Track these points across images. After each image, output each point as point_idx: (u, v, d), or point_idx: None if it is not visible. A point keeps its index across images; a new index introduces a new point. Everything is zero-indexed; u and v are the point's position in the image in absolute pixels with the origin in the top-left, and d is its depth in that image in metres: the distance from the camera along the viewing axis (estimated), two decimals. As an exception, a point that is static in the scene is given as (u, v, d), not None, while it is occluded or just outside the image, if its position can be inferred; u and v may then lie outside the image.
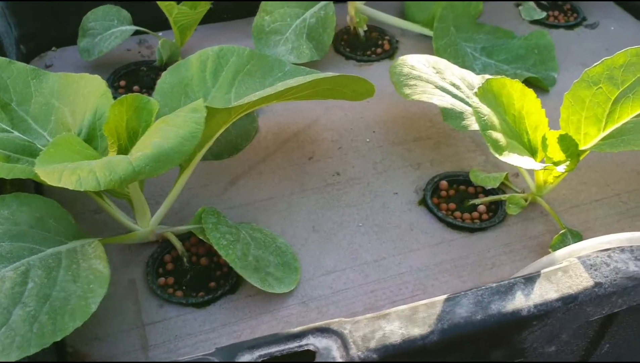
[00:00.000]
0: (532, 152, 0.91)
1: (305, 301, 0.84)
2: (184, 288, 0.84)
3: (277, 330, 0.80)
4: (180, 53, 1.21)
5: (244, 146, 1.06)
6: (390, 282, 0.87)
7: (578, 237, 0.92)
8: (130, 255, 0.89)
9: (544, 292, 0.69)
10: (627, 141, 0.85)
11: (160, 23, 1.28)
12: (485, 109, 0.80)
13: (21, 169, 0.75)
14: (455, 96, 0.98)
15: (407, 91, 0.98)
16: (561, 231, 0.91)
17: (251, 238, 0.86)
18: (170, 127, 0.70)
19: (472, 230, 0.94)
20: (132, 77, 1.19)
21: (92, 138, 0.86)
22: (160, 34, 1.30)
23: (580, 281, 0.70)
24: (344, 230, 0.93)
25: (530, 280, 0.70)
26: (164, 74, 0.93)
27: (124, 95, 0.81)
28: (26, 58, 1.23)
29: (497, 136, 0.79)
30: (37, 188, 0.95)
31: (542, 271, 0.72)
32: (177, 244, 0.87)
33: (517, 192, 0.99)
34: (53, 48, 1.26)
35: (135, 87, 1.16)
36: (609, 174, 1.04)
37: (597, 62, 0.91)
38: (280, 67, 1.01)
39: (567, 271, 0.71)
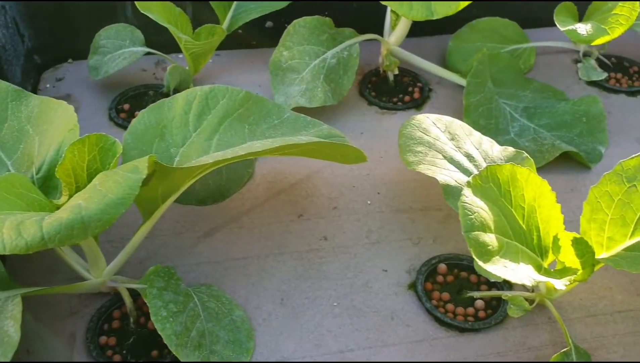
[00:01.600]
0: (542, 253, 0.77)
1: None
2: (124, 352, 0.77)
3: (210, 421, 0.71)
4: (192, 80, 1.15)
5: (233, 192, 0.98)
6: (351, 381, 0.76)
7: (585, 357, 0.77)
8: (78, 304, 0.82)
9: None
10: (652, 261, 0.71)
11: (179, 46, 1.22)
12: (475, 204, 0.67)
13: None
14: (464, 171, 0.86)
15: (411, 158, 0.87)
16: (565, 348, 0.77)
17: (203, 308, 0.77)
18: (100, 189, 0.62)
19: (462, 330, 0.81)
20: (138, 101, 1.13)
21: (52, 176, 0.80)
22: (180, 56, 1.24)
23: None
24: (315, 308, 0.83)
25: None
26: (141, 112, 0.86)
27: (88, 134, 0.74)
28: (40, 69, 1.19)
29: (486, 238, 0.67)
30: None
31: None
32: (128, 300, 0.80)
33: (526, 290, 0.85)
34: (69, 60, 1.22)
35: (137, 113, 1.10)
36: (642, 282, 0.88)
37: (635, 155, 0.76)
38: (278, 113, 0.92)
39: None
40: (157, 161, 0.69)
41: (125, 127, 1.07)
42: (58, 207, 0.75)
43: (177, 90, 1.14)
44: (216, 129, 0.87)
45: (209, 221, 0.94)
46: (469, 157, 0.88)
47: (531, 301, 0.82)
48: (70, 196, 0.75)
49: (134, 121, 0.85)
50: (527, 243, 0.76)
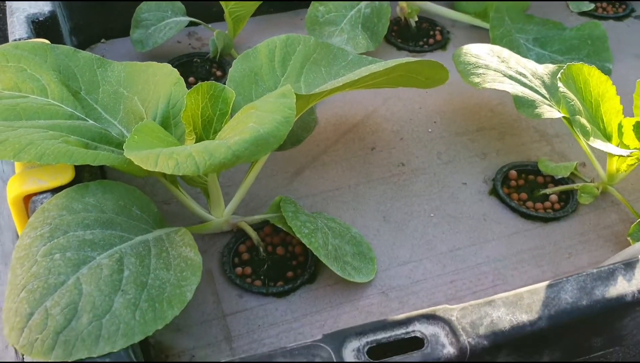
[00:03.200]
0: (608, 138, 0.89)
1: (384, 291, 0.83)
2: (262, 277, 0.83)
3: (360, 321, 0.79)
4: (233, 45, 1.20)
5: (305, 136, 1.04)
6: (469, 272, 0.85)
7: (654, 226, 0.90)
8: (204, 245, 0.87)
9: (647, 278, 0.67)
10: None
11: (211, 15, 1.27)
12: (570, 95, 0.79)
13: (105, 156, 0.73)
14: (524, 85, 0.97)
15: (476, 79, 0.96)
16: (638, 220, 0.89)
17: (328, 227, 0.85)
18: (264, 113, 0.69)
19: (546, 220, 0.93)
20: (186, 68, 1.18)
21: (166, 126, 0.85)
22: (210, 25, 1.29)
23: (681, 267, 0.68)
24: (415, 220, 0.92)
25: (629, 265, 0.69)
26: (234, 62, 0.92)
27: (200, 83, 0.80)
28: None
29: (583, 121, 0.78)
30: (103, 177, 0.93)
31: (640, 257, 0.70)
32: (253, 234, 0.86)
33: (586, 181, 0.98)
34: (102, 40, 1.25)
35: (191, 79, 1.15)
36: (677, 164, 1.03)
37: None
38: (343, 56, 1.00)
39: (666, 257, 0.70)
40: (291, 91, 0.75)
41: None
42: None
43: (221, 55, 1.19)
44: (300, 73, 0.94)
45: (294, 162, 1.01)
46: (521, 74, 0.99)
47: (596, 189, 0.95)
48: (196, 139, 0.81)
49: (231, 70, 0.91)
50: (599, 128, 0.88)
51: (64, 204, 0.69)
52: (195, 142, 0.81)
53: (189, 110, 0.80)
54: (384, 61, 0.86)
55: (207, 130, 0.83)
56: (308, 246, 0.78)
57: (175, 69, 0.88)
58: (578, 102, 0.80)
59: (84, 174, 0.80)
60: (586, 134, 0.76)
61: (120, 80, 0.90)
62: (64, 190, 0.72)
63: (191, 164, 0.64)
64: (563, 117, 0.89)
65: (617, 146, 0.90)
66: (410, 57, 0.87)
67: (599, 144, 0.77)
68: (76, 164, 0.71)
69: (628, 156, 0.81)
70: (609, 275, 0.67)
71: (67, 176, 0.75)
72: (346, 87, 0.82)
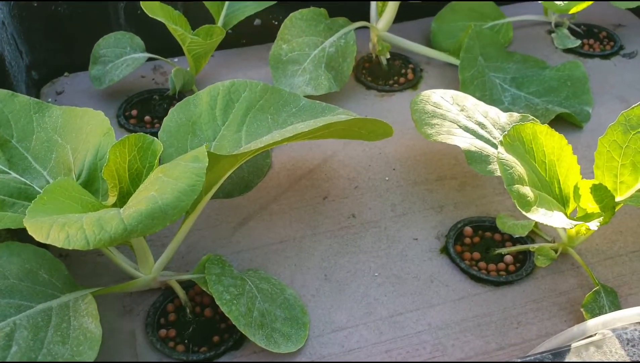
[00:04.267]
0: (564, 202, 0.84)
1: (314, 361, 0.78)
2: (185, 342, 0.79)
3: (282, 393, 0.75)
4: (195, 81, 1.17)
5: (256, 183, 1.01)
6: (407, 341, 0.80)
7: (612, 295, 0.84)
8: (131, 303, 0.84)
9: (575, 372, 0.61)
10: (670, 195, 0.78)
11: (175, 49, 1.23)
12: (511, 160, 0.73)
13: (11, 218, 0.70)
14: (480, 137, 0.92)
15: (429, 131, 0.92)
16: (594, 289, 0.83)
17: (257, 289, 0.80)
18: (169, 180, 0.65)
19: (497, 284, 0.87)
20: (145, 106, 1.15)
21: (93, 180, 0.82)
22: (175, 60, 1.27)
23: (614, 359, 0.63)
24: (358, 280, 0.87)
25: (558, 355, 0.63)
26: (171, 110, 0.89)
27: (127, 135, 0.76)
28: (38, 84, 1.19)
29: (525, 190, 0.72)
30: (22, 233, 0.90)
31: (573, 344, 0.65)
32: (181, 293, 0.82)
33: (547, 241, 0.92)
34: (65, 73, 1.23)
35: (147, 117, 1.12)
36: (648, 223, 0.96)
37: (635, 104, 0.83)
38: (295, 102, 0.95)
39: (601, 346, 0.64)
40: (210, 151, 0.71)
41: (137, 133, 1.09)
42: (113, 207, 0.77)
43: (181, 92, 1.16)
44: (243, 121, 0.90)
45: (240, 211, 0.97)
46: (481, 125, 0.94)
47: (555, 251, 0.89)
48: (118, 196, 0.78)
49: (165, 119, 0.88)
50: (552, 194, 0.82)
51: (-38, 270, 0.66)
52: (122, 198, 0.78)
53: (113, 164, 0.76)
54: (323, 117, 0.82)
55: (135, 184, 0.79)
56: (227, 315, 0.74)
57: (107, 119, 0.85)
58: (519, 168, 0.74)
59: (1, 234, 0.77)
60: (525, 206, 0.70)
61: (57, 126, 0.88)
62: (-33, 253, 0.69)
63: (81, 238, 0.60)
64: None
65: (574, 210, 0.85)
66: (343, 116, 0.82)
67: (539, 216, 0.71)
68: (-22, 227, 0.68)
69: (575, 226, 0.75)
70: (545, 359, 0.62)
71: (-26, 237, 0.72)
72: (273, 145, 0.78)
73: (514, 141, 0.77)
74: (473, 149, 0.88)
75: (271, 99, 0.94)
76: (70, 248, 0.61)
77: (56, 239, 0.61)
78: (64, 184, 0.74)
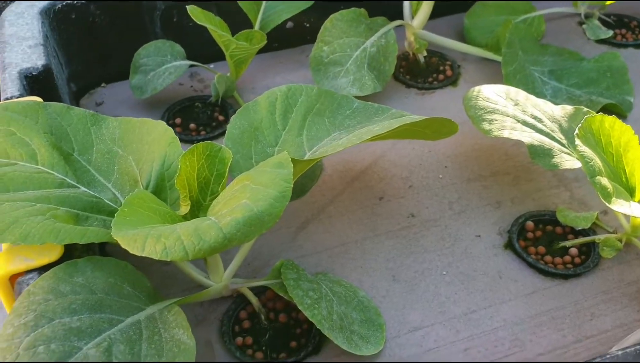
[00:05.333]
0: (631, 192, 0.84)
1: (398, 361, 0.78)
2: (263, 348, 0.79)
3: (368, 396, 0.74)
4: (235, 87, 1.16)
5: (310, 187, 1.00)
6: (484, 339, 0.80)
7: (683, 283, 0.84)
8: (203, 311, 0.83)
9: (678, 362, 0.62)
10: None
11: (212, 54, 1.23)
12: (589, 153, 0.73)
13: (94, 232, 0.69)
14: (540, 131, 0.92)
15: (486, 126, 0.92)
16: (665, 277, 0.84)
17: (332, 293, 0.80)
18: (258, 187, 0.64)
19: (566, 277, 0.87)
20: (187, 113, 1.14)
21: (161, 190, 0.81)
22: (211, 66, 1.26)
23: None
24: (426, 279, 0.87)
25: (658, 346, 0.63)
26: (233, 118, 0.88)
27: (196, 144, 0.76)
28: (76, 96, 1.18)
29: (604, 182, 0.72)
30: (100, 244, 0.90)
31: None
32: (254, 300, 0.82)
33: (608, 232, 0.92)
34: (102, 84, 1.22)
35: (192, 125, 1.11)
36: None
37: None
38: (348, 104, 0.95)
39: (698, 334, 0.64)
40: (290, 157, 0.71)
41: (185, 141, 1.08)
42: (184, 218, 0.76)
43: (223, 98, 1.16)
44: (302, 125, 0.90)
45: (298, 216, 0.96)
46: (537, 119, 0.94)
47: (619, 241, 0.89)
48: (191, 204, 0.77)
49: (229, 127, 0.87)
50: (621, 183, 0.82)
51: (50, 286, 0.66)
52: (191, 207, 0.77)
53: (184, 174, 0.76)
54: (388, 121, 0.81)
55: (203, 192, 0.79)
56: (311, 319, 0.74)
57: (170, 128, 0.84)
58: (597, 159, 0.74)
59: (75, 247, 0.76)
60: (607, 197, 0.70)
61: (115, 138, 0.87)
62: (51, 269, 0.68)
63: (179, 249, 0.59)
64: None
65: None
66: (414, 116, 0.82)
67: (621, 206, 0.71)
68: (64, 243, 0.67)
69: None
70: (635, 359, 0.62)
71: (56, 252, 0.71)
72: (348, 146, 0.77)
73: (586, 133, 0.77)
74: (536, 143, 0.89)
75: (326, 102, 0.94)
76: (169, 259, 0.60)
77: (153, 251, 0.60)
78: (142, 196, 0.73)
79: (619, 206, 0.72)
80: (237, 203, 0.63)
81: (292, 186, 0.65)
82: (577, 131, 0.75)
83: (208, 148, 0.78)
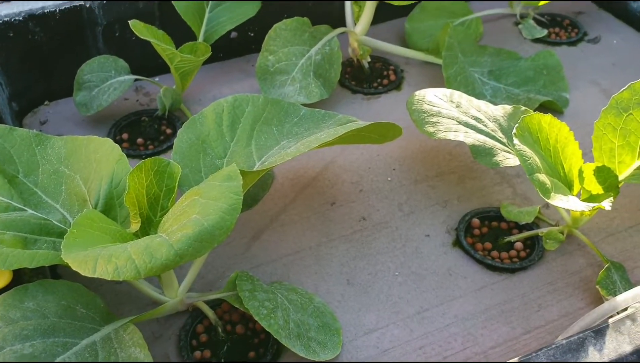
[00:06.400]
0: (569, 186, 0.88)
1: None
2: (222, 360, 0.79)
3: (328, 400, 0.76)
4: (182, 99, 1.16)
5: (262, 196, 1.01)
6: (438, 336, 0.82)
7: (621, 270, 0.89)
8: (160, 328, 0.83)
9: (618, 346, 0.65)
10: (669, 170, 0.83)
11: (157, 67, 1.23)
12: (527, 151, 0.76)
13: (44, 255, 0.69)
14: (481, 131, 0.95)
15: (430, 129, 0.94)
16: (605, 266, 0.88)
17: (288, 301, 0.81)
18: (208, 201, 0.65)
19: (512, 271, 0.90)
20: (135, 128, 1.13)
21: (110, 208, 0.81)
22: (157, 79, 1.25)
23: (651, 329, 0.67)
24: (380, 281, 0.89)
25: (599, 333, 0.67)
26: (180, 131, 0.88)
27: (144, 160, 0.76)
28: (19, 115, 1.16)
29: (543, 178, 0.76)
30: (51, 267, 0.88)
31: (610, 321, 0.68)
32: (210, 313, 0.82)
33: (551, 225, 0.96)
34: (46, 102, 1.20)
35: (139, 140, 1.11)
36: (638, 199, 1.01)
37: (624, 87, 0.88)
38: (295, 111, 0.96)
39: (636, 318, 0.68)
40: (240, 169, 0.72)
41: (134, 156, 1.08)
42: (135, 235, 0.76)
43: (170, 111, 1.15)
44: (250, 135, 0.91)
45: (251, 226, 0.97)
46: (477, 120, 0.97)
47: (561, 233, 0.93)
48: (141, 221, 0.77)
49: (176, 141, 0.87)
50: (559, 178, 0.86)
51: (0, 314, 0.65)
52: (142, 224, 0.77)
53: (132, 191, 0.75)
54: (334, 127, 0.83)
55: (154, 208, 0.78)
56: (267, 329, 0.74)
57: (117, 146, 0.83)
58: (535, 157, 0.78)
59: (25, 271, 0.75)
60: (546, 193, 0.74)
61: (61, 157, 0.86)
62: (0, 296, 0.67)
63: (131, 268, 0.59)
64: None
65: (578, 192, 0.89)
66: (360, 122, 0.84)
67: (560, 201, 0.75)
68: (12, 268, 0.66)
69: (590, 210, 0.79)
70: (579, 347, 0.65)
71: (4, 279, 0.70)
72: (297, 155, 0.78)
73: (524, 132, 0.80)
74: (477, 143, 0.91)
75: (273, 111, 0.95)
76: (121, 279, 0.60)
77: (104, 272, 0.60)
78: (91, 216, 0.72)
79: (558, 200, 0.75)
80: (187, 218, 0.64)
81: (242, 198, 0.65)
82: (514, 131, 0.78)
83: (156, 164, 0.77)
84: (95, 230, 0.70)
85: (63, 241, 0.66)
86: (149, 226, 0.79)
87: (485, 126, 0.97)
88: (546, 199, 0.74)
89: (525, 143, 0.80)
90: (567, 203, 0.76)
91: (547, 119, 0.84)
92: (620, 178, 0.88)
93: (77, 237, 0.67)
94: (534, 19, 1.42)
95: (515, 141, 0.77)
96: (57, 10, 1.12)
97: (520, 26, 1.41)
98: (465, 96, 1.02)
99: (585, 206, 0.77)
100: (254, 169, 0.82)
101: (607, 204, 0.79)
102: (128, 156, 1.08)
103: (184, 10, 1.15)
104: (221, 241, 0.63)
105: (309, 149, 0.76)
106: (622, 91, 0.88)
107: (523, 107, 0.99)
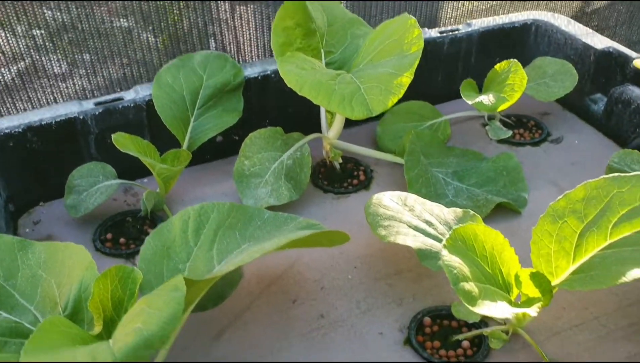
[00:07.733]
0: (508, 290, 0.93)
1: None
2: None
3: None
4: (164, 201, 1.26)
5: (229, 293, 1.08)
6: None
7: (562, 369, 0.93)
8: (119, 424, 0.89)
9: None
10: (595, 277, 0.88)
11: (145, 169, 1.33)
12: (454, 261, 0.83)
13: (11, 358, 0.76)
14: (429, 235, 1.02)
15: (382, 232, 1.02)
16: (545, 366, 0.92)
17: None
18: (152, 311, 0.72)
19: (457, 369, 0.95)
20: (118, 228, 1.23)
21: (78, 311, 0.88)
22: (145, 180, 1.36)
23: None
24: (331, 379, 0.95)
25: None
26: (147, 239, 0.97)
27: (109, 268, 0.84)
28: (14, 216, 1.26)
29: (469, 287, 0.82)
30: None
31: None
32: (166, 410, 0.88)
33: (499, 324, 1.01)
34: (41, 203, 1.30)
35: (122, 239, 1.20)
36: (586, 297, 1.06)
37: (559, 197, 0.95)
38: (259, 215, 1.04)
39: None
40: (186, 277, 0.79)
41: (114, 255, 1.16)
42: (96, 338, 0.83)
43: (153, 212, 1.25)
44: (213, 240, 0.99)
45: (214, 324, 1.04)
46: (428, 223, 1.05)
47: (506, 332, 0.98)
48: (104, 326, 0.84)
49: (142, 248, 0.96)
50: (496, 284, 0.92)
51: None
52: (106, 325, 0.85)
53: (97, 296, 0.84)
54: (294, 231, 0.91)
55: (118, 311, 0.86)
56: None
57: (88, 253, 0.92)
58: (465, 267, 0.84)
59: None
60: (471, 301, 0.80)
61: (40, 262, 0.94)
62: (-33, 396, 0.74)
63: (76, 374, 0.67)
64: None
65: (517, 295, 0.95)
66: (306, 231, 0.92)
67: (486, 308, 0.81)
68: (-22, 370, 0.74)
69: (515, 315, 0.85)
70: None
71: (-28, 379, 0.77)
72: (241, 264, 0.86)
73: (455, 242, 0.87)
74: (423, 247, 0.99)
75: (237, 216, 1.03)
76: (68, 384, 0.67)
77: (53, 377, 0.67)
78: (54, 320, 0.80)
79: (483, 307, 0.81)
80: (132, 326, 0.71)
81: (183, 307, 0.73)
82: (444, 242, 0.85)
83: (121, 271, 0.86)
84: (56, 334, 0.78)
85: (25, 346, 0.74)
86: (113, 327, 0.86)
87: (435, 229, 1.04)
88: (470, 308, 0.80)
89: (457, 252, 0.87)
90: (493, 309, 0.82)
91: (481, 228, 0.91)
92: (557, 282, 0.94)
93: (38, 341, 0.75)
94: (501, 120, 1.51)
95: (444, 252, 0.84)
96: (54, 122, 1.24)
97: (487, 127, 1.50)
98: (420, 199, 1.10)
99: (509, 312, 0.83)
100: (212, 274, 0.90)
101: (533, 310, 0.85)
102: (110, 255, 1.17)
103: (170, 122, 1.27)
104: (160, 348, 0.70)
105: (252, 259, 0.84)
106: (558, 201, 0.95)
107: (472, 212, 1.07)
